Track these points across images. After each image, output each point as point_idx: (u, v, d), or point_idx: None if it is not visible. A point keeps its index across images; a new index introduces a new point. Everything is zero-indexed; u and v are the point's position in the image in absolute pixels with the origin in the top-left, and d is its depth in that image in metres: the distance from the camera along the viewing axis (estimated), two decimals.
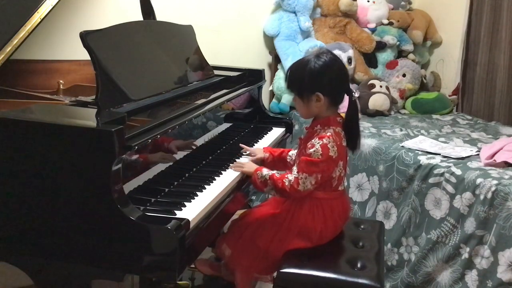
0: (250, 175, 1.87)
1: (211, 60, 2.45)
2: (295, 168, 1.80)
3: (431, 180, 2.40)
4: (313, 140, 1.78)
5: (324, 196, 1.85)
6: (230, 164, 1.93)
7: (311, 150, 1.76)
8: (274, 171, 1.86)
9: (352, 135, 1.86)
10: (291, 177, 1.78)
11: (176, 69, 2.17)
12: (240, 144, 2.12)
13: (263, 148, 2.13)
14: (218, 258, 2.15)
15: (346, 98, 1.85)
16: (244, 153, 2.09)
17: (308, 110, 1.85)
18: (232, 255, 1.94)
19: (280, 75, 3.36)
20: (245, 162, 1.97)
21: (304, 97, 1.82)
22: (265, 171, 1.85)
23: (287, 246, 1.85)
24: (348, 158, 1.96)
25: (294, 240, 1.85)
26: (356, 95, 1.84)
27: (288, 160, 2.04)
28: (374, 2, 3.69)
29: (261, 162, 2.03)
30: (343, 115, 1.88)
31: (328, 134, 1.78)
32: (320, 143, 1.76)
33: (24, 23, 1.88)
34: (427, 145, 2.66)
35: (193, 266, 2.17)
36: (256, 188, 1.89)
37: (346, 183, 2.80)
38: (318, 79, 1.79)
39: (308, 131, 1.89)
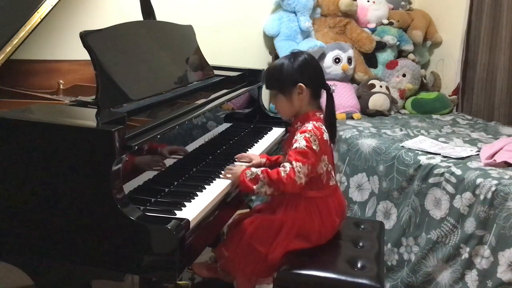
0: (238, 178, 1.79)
1: (211, 60, 2.45)
2: (286, 163, 1.76)
3: (431, 180, 2.39)
4: (295, 137, 1.80)
5: (318, 194, 1.85)
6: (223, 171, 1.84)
7: (296, 144, 1.77)
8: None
9: (331, 127, 1.88)
10: (286, 167, 1.74)
11: (176, 69, 2.17)
12: (237, 156, 2.04)
13: (259, 154, 2.09)
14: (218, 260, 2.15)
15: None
16: (239, 160, 2.01)
17: (290, 105, 1.86)
18: (231, 259, 1.93)
19: None
20: (235, 166, 1.89)
21: (286, 91, 1.85)
22: (255, 169, 1.80)
23: (286, 248, 1.84)
24: (335, 153, 1.96)
25: (294, 242, 1.85)
26: (333, 88, 1.88)
27: None
28: (374, 2, 3.69)
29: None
30: None
31: (309, 128, 1.79)
32: (303, 136, 1.77)
33: (24, 23, 1.88)
34: (427, 145, 2.66)
35: (191, 268, 2.17)
36: (245, 189, 1.78)
37: (345, 181, 2.81)
38: (299, 72, 1.83)
39: (290, 131, 1.90)
